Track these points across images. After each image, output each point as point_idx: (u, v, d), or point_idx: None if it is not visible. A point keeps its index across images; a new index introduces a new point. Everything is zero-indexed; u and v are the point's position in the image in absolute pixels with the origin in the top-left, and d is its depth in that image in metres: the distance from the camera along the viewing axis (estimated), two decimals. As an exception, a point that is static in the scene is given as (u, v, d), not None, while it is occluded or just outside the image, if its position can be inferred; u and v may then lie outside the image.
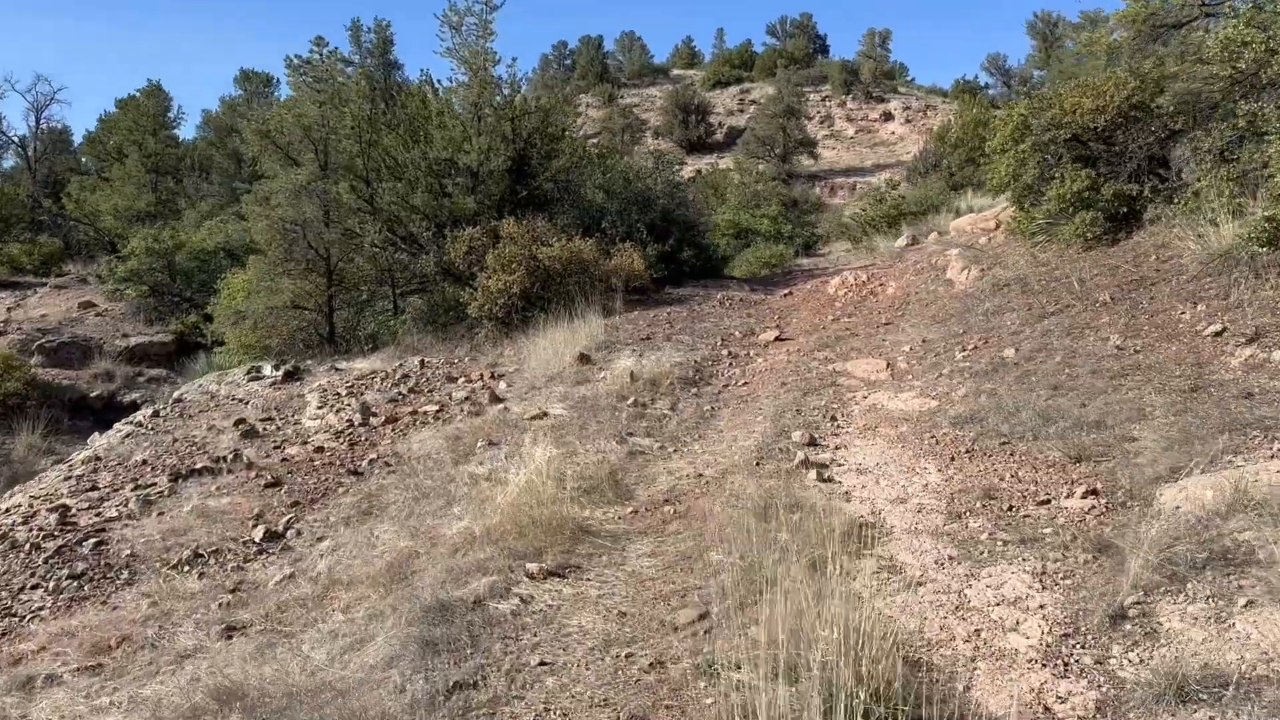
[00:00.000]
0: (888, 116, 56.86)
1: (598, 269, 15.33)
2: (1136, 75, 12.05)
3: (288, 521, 8.12)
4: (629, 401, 9.91)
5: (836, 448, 7.87)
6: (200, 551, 7.70)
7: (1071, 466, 6.51)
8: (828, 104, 58.82)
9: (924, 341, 11.20)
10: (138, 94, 36.64)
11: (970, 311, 11.82)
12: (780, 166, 47.38)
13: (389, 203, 17.09)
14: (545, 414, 9.87)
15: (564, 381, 11.38)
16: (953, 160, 38.60)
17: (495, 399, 11.22)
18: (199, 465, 10.03)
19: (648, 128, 59.49)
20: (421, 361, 14.48)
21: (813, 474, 6.98)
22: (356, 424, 10.99)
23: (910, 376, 10.07)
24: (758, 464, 7.40)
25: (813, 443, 7.99)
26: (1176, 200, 11.40)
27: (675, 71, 74.63)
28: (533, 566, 5.79)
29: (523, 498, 6.50)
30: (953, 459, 7.14)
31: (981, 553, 5.41)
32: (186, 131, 54.53)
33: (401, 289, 18.91)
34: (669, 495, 7.20)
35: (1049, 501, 6.00)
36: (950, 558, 5.41)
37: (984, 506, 6.09)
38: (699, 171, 44.21)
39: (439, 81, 19.84)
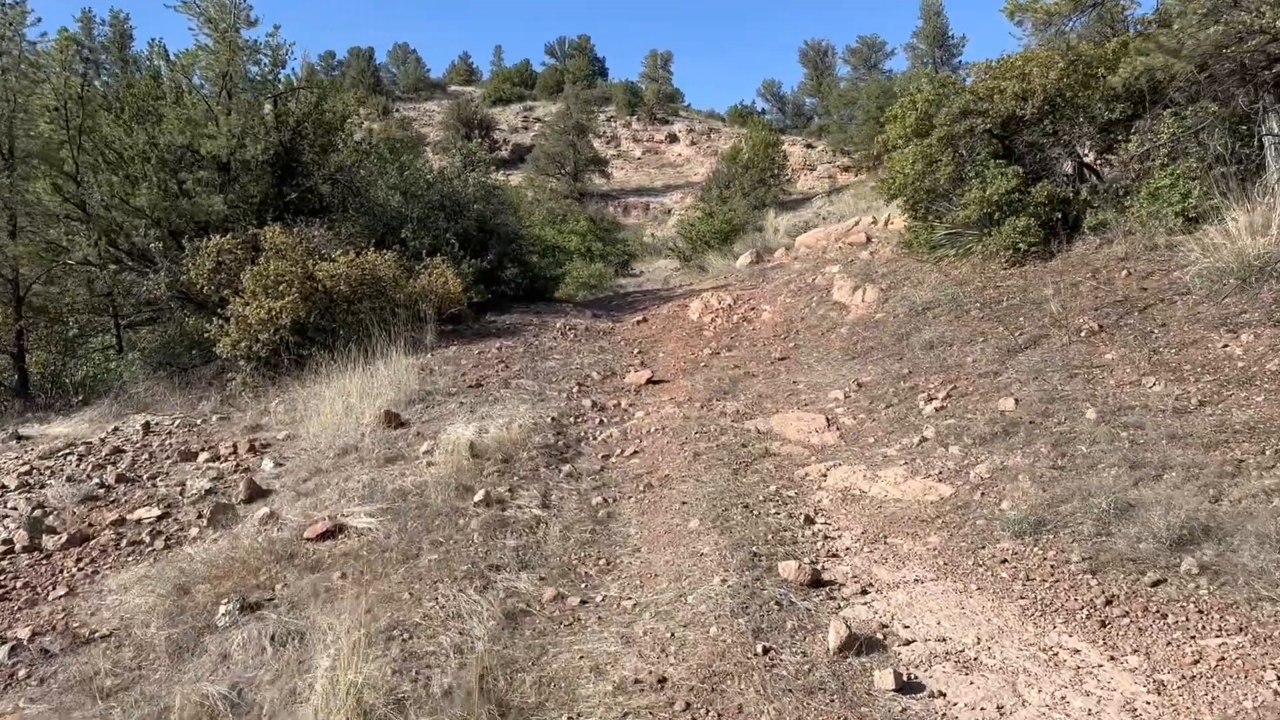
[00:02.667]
0: (673, 138, 55.49)
1: (400, 291, 11.35)
2: (1072, 52, 9.77)
3: None
4: (477, 497, 6.17)
5: (865, 590, 4.56)
6: None
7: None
8: (613, 124, 56.73)
9: (859, 385, 8.22)
10: None
11: (901, 343, 9.01)
12: (572, 185, 44.48)
13: (102, 204, 12.20)
14: (342, 528, 5.91)
15: (365, 459, 7.42)
16: (744, 181, 37.57)
17: (256, 493, 7.09)
18: None
19: (428, 142, 54.71)
20: (146, 425, 9.89)
21: (883, 679, 3.60)
22: (17, 549, 6.46)
23: (870, 440, 7.02)
24: (763, 650, 3.93)
25: (818, 581, 4.64)
26: (1131, 201, 9.15)
27: (453, 87, 70.29)
28: None
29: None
30: (1089, 615, 4.03)
31: None
32: None
33: (129, 320, 13.93)
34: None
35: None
36: None
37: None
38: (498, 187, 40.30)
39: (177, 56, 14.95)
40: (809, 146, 48.79)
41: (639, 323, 12.48)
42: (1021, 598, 4.26)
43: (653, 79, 58.90)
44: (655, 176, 50.96)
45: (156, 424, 10.08)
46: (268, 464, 7.95)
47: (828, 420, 7.48)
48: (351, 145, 13.95)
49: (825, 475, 6.41)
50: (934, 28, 42.39)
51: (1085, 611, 4.05)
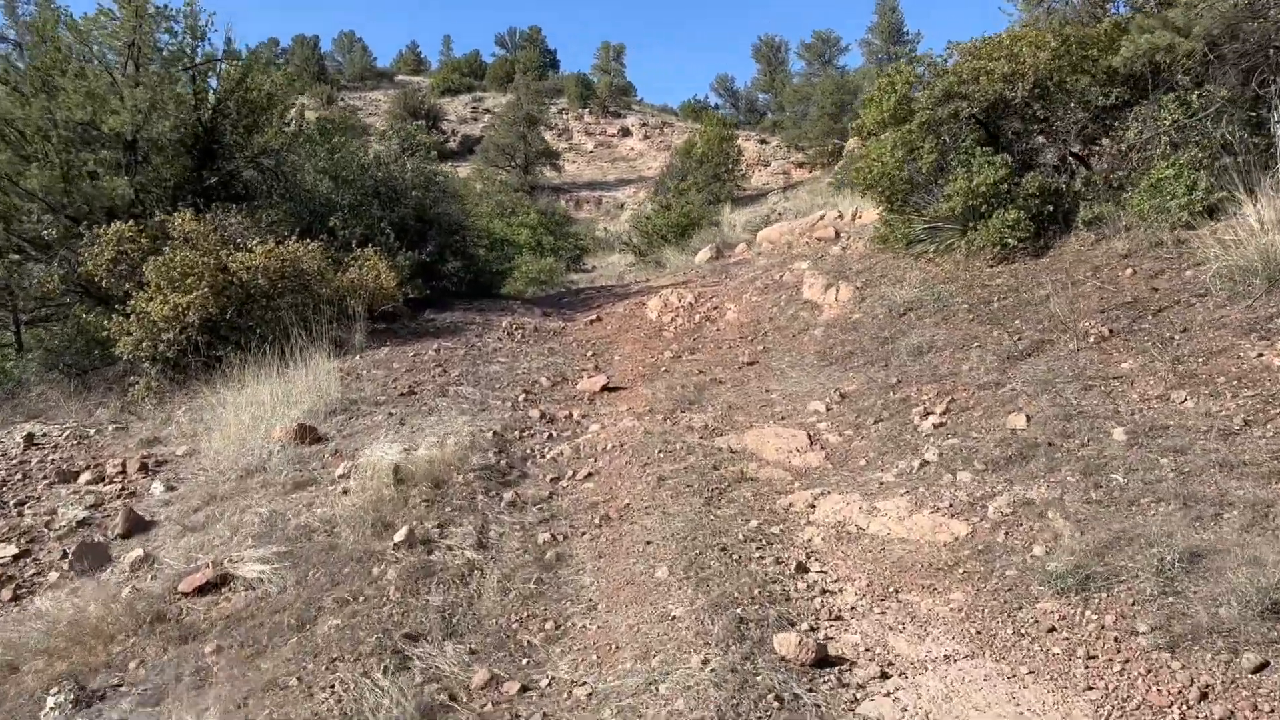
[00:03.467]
0: (626, 132, 54.40)
1: (326, 286, 10.11)
2: (1066, 30, 8.91)
3: None
4: (398, 536, 5.04)
5: (885, 674, 3.53)
6: None
7: None
8: (565, 117, 55.45)
9: (842, 396, 7.24)
10: None
11: (884, 347, 8.07)
12: (523, 177, 43.18)
13: (-9, 185, 10.74)
14: (227, 578, 4.75)
15: (271, 483, 6.24)
16: (699, 175, 36.68)
17: (136, 526, 5.89)
18: None
19: (373, 132, 52.85)
20: (29, 436, 8.57)
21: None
22: None
23: (862, 462, 6.04)
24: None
25: (824, 659, 3.62)
26: (1130, 193, 8.33)
27: (400, 77, 68.22)
28: None
29: None
30: (1184, 717, 3.09)
31: None
32: None
33: (31, 315, 12.45)
34: None
35: None
36: None
37: None
38: (446, 176, 38.78)
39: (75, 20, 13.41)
40: (763, 142, 48.10)
41: (592, 322, 11.39)
42: (1089, 688, 3.30)
43: (605, 71, 57.70)
44: (608, 170, 49.85)
45: (43, 435, 8.76)
46: (158, 487, 6.73)
47: (810, 437, 6.49)
48: (277, 125, 12.60)
49: (813, 506, 5.42)
50: (889, 23, 41.89)
51: (1178, 711, 3.09)
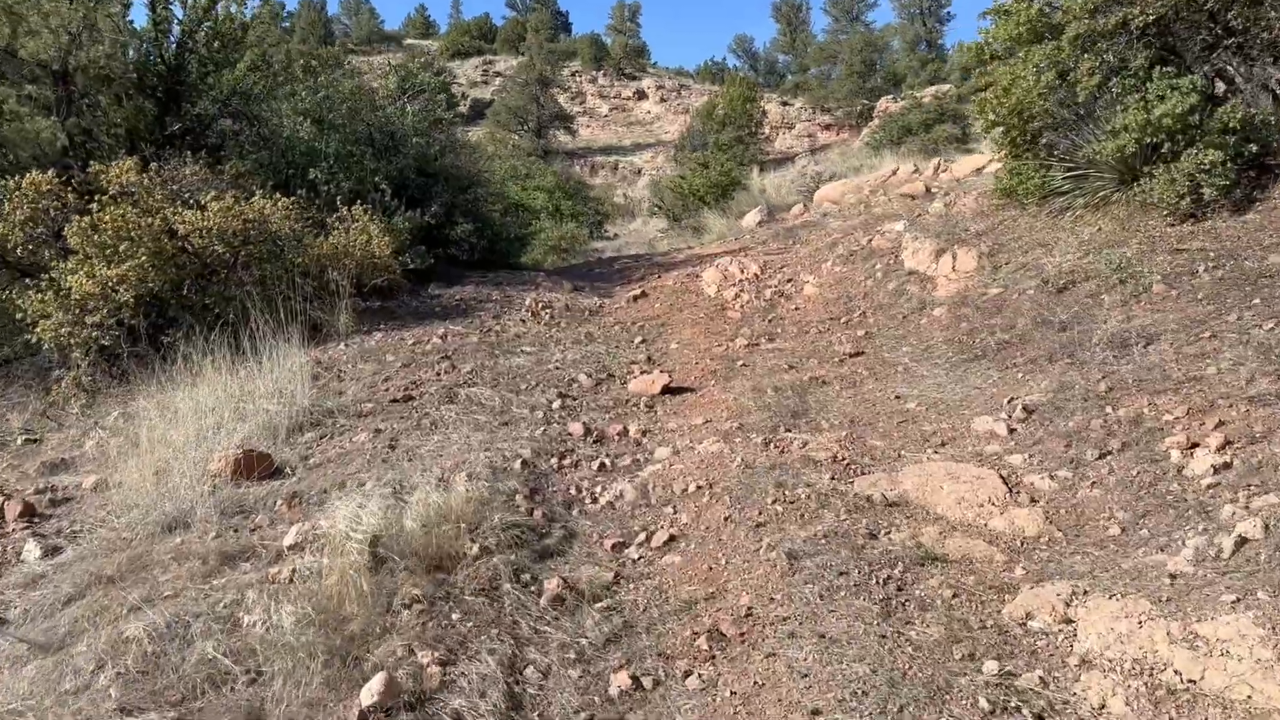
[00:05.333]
0: (641, 95, 51.60)
1: (304, 254, 7.83)
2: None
3: None
4: (367, 694, 2.81)
5: None
6: None
7: None
8: (578, 79, 52.61)
9: (1026, 410, 4.92)
10: None
11: (1060, 334, 5.72)
12: (535, 141, 40.64)
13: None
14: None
15: (189, 553, 4.00)
16: (723, 138, 34.16)
17: (-39, 635, 3.68)
18: None
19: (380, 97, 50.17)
20: (-95, 452, 6.37)
21: None
22: None
23: (1110, 526, 3.74)
24: None
25: None
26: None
27: (409, 41, 65.33)
28: None
29: None
30: None
31: None
32: None
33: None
34: None
35: None
36: None
37: None
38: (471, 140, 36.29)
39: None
40: (785, 104, 45.30)
41: (636, 298, 9.06)
42: None
43: (620, 31, 54.75)
44: (623, 135, 47.16)
45: (-77, 452, 6.57)
46: (32, 552, 4.51)
47: (1005, 481, 4.20)
48: (252, 60, 10.23)
49: (1070, 621, 3.15)
50: (922, -25, 38.97)
51: None
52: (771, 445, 4.97)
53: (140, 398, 6.50)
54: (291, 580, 3.61)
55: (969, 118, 27.12)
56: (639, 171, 42.25)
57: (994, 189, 8.54)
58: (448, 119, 11.79)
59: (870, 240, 8.88)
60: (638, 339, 7.63)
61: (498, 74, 52.52)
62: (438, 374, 6.52)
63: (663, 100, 50.74)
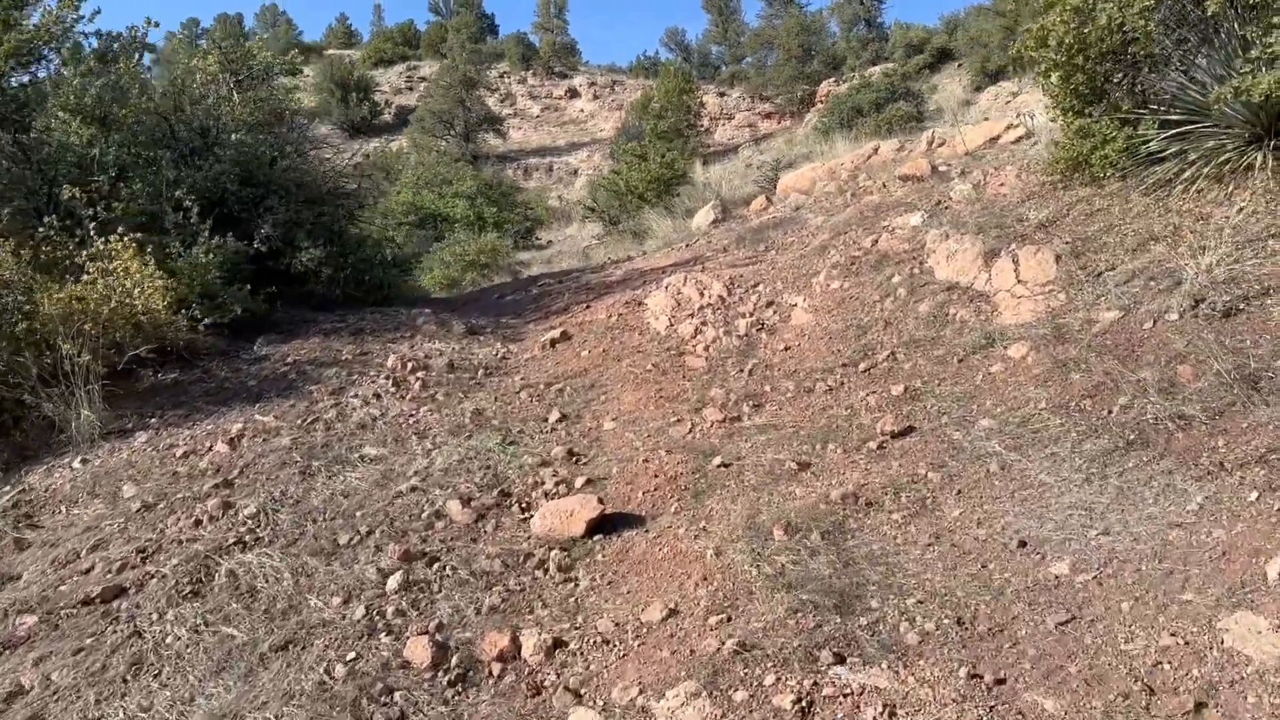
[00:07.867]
0: (574, 93, 48.73)
1: (28, 318, 4.90)
2: None
3: None
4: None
5: None
6: None
7: None
8: (507, 80, 49.59)
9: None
10: None
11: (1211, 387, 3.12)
12: (464, 146, 37.49)
13: None
14: None
15: None
16: (659, 126, 31.79)
17: None
18: None
19: (300, 109, 46.49)
20: None
21: None
22: None
23: None
24: None
25: None
26: None
27: (330, 51, 61.52)
28: None
29: None
30: None
31: None
32: None
33: None
34: None
35: None
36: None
37: None
38: (367, 155, 32.97)
39: None
40: (722, 94, 42.80)
41: (555, 342, 6.24)
42: None
43: (547, 29, 51.82)
44: (557, 135, 44.15)
45: None
46: None
47: None
48: (15, 45, 7.17)
49: None
50: (857, -48, 36.74)
51: None
52: (812, 706, 2.24)
53: None
54: None
55: (923, 95, 25.01)
56: (575, 172, 39.40)
57: (1049, 160, 5.92)
58: (293, 109, 8.84)
59: (875, 241, 6.21)
60: (553, 415, 4.84)
61: (422, 79, 49.20)
62: (196, 522, 3.67)
63: (596, 97, 47.90)
